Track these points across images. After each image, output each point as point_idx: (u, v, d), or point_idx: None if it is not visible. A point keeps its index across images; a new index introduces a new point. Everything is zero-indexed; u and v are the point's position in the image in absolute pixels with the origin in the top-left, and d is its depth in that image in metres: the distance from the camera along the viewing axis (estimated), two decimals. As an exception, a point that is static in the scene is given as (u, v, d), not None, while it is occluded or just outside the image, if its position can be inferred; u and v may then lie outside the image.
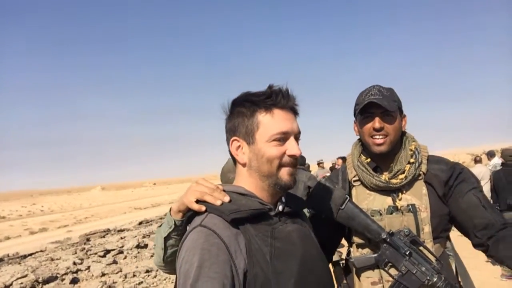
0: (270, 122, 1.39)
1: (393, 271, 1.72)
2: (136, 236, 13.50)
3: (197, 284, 1.22)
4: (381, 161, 1.89)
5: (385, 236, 1.70)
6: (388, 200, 1.85)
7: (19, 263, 10.71)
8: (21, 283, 8.23)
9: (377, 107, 1.79)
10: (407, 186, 1.84)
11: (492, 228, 1.77)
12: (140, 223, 18.00)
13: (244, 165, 1.45)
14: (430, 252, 1.75)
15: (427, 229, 1.79)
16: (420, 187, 1.85)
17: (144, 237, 13.26)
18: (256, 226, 1.34)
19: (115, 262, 10.29)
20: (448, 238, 1.93)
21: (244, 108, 1.43)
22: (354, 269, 1.82)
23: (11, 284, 8.25)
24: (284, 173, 1.40)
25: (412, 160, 1.86)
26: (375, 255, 1.75)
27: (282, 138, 1.39)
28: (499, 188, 7.17)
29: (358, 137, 1.99)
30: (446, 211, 1.84)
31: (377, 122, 1.80)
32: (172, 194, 49.24)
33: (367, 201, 1.86)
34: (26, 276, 8.65)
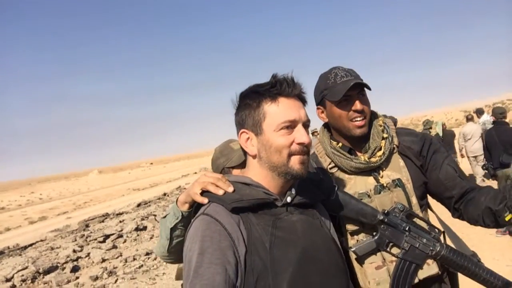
0: (276, 111, 1.39)
1: (395, 250, 1.70)
2: (134, 219, 13.52)
3: (199, 270, 1.25)
4: (354, 143, 1.85)
5: (382, 217, 1.68)
6: (370, 180, 1.82)
7: (20, 255, 10.70)
8: (22, 275, 8.23)
9: (353, 89, 1.74)
10: (385, 162, 1.83)
11: (466, 196, 1.83)
12: (139, 205, 18.00)
13: (254, 156, 1.46)
14: (426, 222, 1.76)
15: (414, 200, 1.80)
16: (397, 160, 1.85)
17: (142, 219, 13.28)
18: (259, 216, 1.37)
19: (114, 246, 10.32)
20: (429, 206, 1.95)
21: (250, 100, 1.44)
22: (354, 258, 1.76)
23: (12, 277, 8.26)
24: (296, 162, 1.39)
25: (385, 135, 1.85)
26: (375, 238, 1.71)
27: (290, 126, 1.39)
28: (491, 146, 7.19)
29: (323, 123, 1.96)
30: (424, 181, 1.86)
31: (358, 104, 1.76)
32: (169, 172, 49.37)
33: (349, 185, 1.82)
34: (26, 268, 8.66)
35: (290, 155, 1.38)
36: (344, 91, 1.72)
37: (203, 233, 1.30)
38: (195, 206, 1.49)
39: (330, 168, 1.87)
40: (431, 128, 11.46)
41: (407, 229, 1.69)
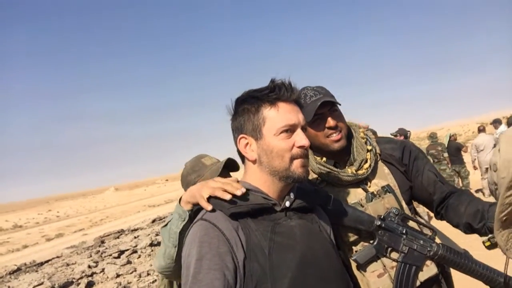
0: (276, 115, 1.39)
1: (394, 255, 1.71)
2: (149, 235, 13.62)
3: (198, 276, 1.24)
4: (336, 157, 1.88)
5: (379, 223, 1.68)
6: (359, 191, 1.83)
7: (36, 271, 10.88)
8: (38, 291, 8.36)
9: (323, 107, 1.77)
10: (371, 172, 1.85)
11: (447, 200, 1.91)
12: (153, 221, 18.12)
13: (254, 162, 1.44)
14: (420, 223, 1.79)
15: (404, 205, 1.82)
16: (382, 168, 1.88)
17: (157, 235, 13.36)
18: (258, 221, 1.35)
19: (129, 262, 10.39)
20: (415, 211, 1.98)
21: (248, 105, 1.43)
22: (355, 269, 1.75)
23: (28, 293, 8.39)
24: (298, 165, 1.39)
25: (369, 147, 1.89)
26: (374, 244, 1.71)
27: (290, 130, 1.39)
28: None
29: None
30: (410, 185, 1.91)
31: (331, 121, 1.79)
32: (184, 189, 49.45)
33: (339, 198, 1.81)
34: (42, 283, 8.80)
35: (292, 159, 1.38)
36: (313, 111, 1.75)
37: (201, 238, 1.29)
38: (195, 210, 1.48)
39: (318, 184, 1.88)
40: (437, 140, 11.33)
41: (404, 232, 1.70)
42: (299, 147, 1.38)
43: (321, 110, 1.77)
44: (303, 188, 1.53)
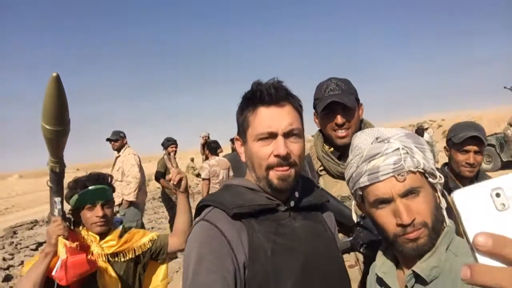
0: (254, 121, 1.34)
1: (368, 252, 1.77)
2: (68, 227, 12.93)
3: (197, 277, 1.21)
4: (344, 149, 1.92)
5: (358, 220, 1.74)
6: None
7: None
8: None
9: (337, 103, 1.85)
10: None
11: None
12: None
13: (246, 164, 1.42)
14: None
15: None
16: None
17: (77, 227, 12.73)
18: (261, 222, 1.31)
19: (49, 255, 9.78)
20: None
21: (239, 106, 1.42)
22: None
23: None
24: (273, 176, 1.32)
25: None
26: (350, 238, 1.79)
27: (269, 137, 1.31)
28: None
29: (318, 128, 2.07)
30: None
31: (339, 119, 1.88)
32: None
33: (335, 188, 1.91)
34: (-49, 277, 8.02)
35: (268, 168, 1.32)
36: (323, 106, 1.86)
37: (201, 239, 1.26)
38: (197, 209, 1.43)
39: (320, 171, 1.98)
40: None
41: None
42: (275, 155, 1.30)
43: (333, 106, 1.85)
44: (306, 186, 1.49)
